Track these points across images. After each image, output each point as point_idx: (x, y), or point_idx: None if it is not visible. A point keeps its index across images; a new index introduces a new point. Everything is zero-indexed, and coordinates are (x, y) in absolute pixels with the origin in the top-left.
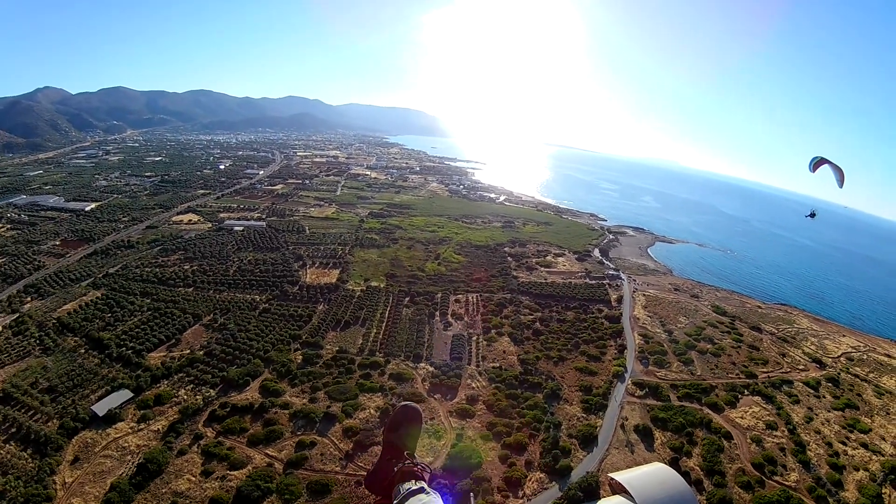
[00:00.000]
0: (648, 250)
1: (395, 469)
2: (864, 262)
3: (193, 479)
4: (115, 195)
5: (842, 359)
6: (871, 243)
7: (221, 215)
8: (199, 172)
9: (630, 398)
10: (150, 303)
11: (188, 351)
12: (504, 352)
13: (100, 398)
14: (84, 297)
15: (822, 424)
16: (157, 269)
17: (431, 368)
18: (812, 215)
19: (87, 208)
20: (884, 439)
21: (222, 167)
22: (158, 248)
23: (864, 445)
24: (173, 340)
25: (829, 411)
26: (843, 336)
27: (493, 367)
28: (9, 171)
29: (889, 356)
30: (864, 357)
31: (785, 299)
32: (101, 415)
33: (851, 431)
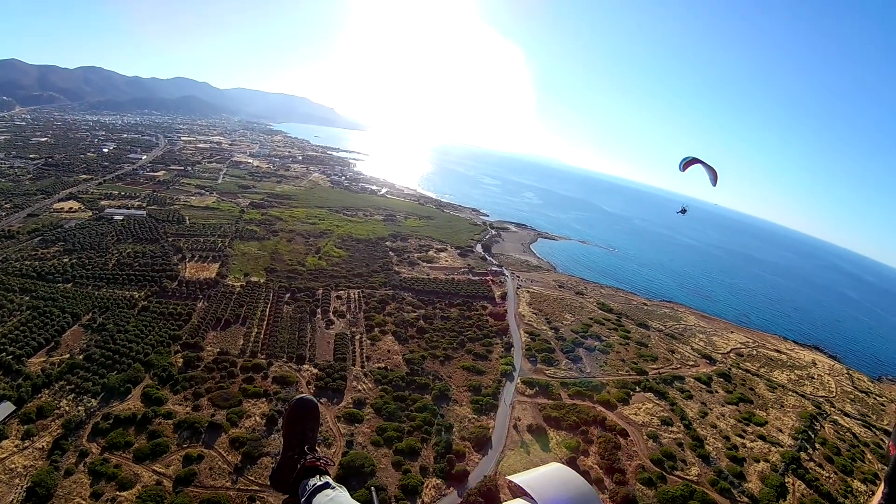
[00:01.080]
0: (531, 246)
1: (298, 465)
2: (745, 261)
3: (84, 502)
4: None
5: (731, 354)
6: (750, 242)
7: (102, 202)
8: (82, 156)
9: (521, 397)
10: (28, 300)
11: (68, 355)
12: (389, 351)
13: None
14: None
15: (718, 419)
16: (37, 263)
17: (315, 370)
18: (683, 211)
19: None
20: (781, 431)
21: (106, 150)
22: (38, 238)
23: (762, 437)
24: (53, 343)
25: (723, 405)
26: (731, 333)
27: (379, 368)
28: None
29: (778, 351)
30: (754, 352)
31: (670, 297)
32: None
33: (748, 424)
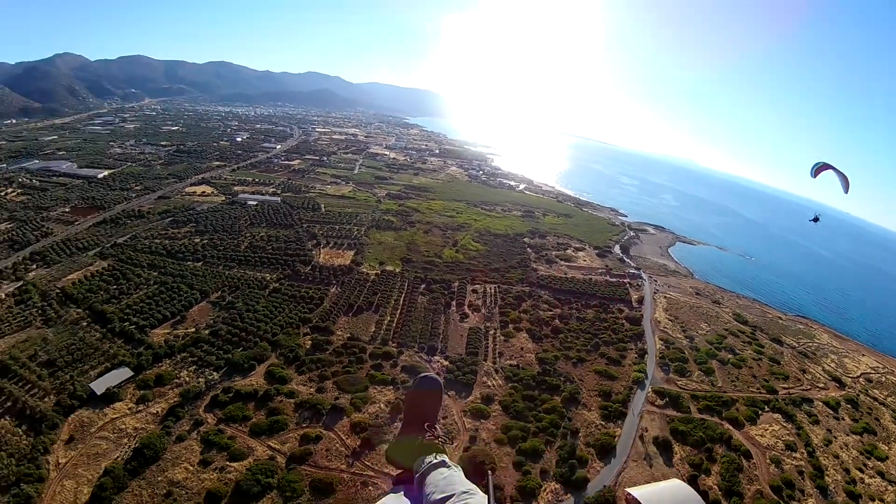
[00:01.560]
0: (669, 250)
1: (417, 441)
2: (878, 276)
3: (191, 468)
4: (129, 163)
5: (861, 379)
6: (881, 255)
7: (236, 188)
8: (215, 144)
9: (650, 407)
10: (157, 276)
11: (193, 329)
12: (522, 349)
13: (99, 375)
14: (90, 267)
15: (841, 449)
16: (167, 242)
17: (446, 363)
18: (816, 220)
19: (100, 175)
20: None
21: (239, 139)
22: (169, 219)
23: (881, 474)
24: (179, 317)
25: (847, 435)
26: (863, 355)
27: (511, 365)
28: (24, 135)
29: None
30: (883, 379)
31: (804, 311)
32: (99, 393)
33: (868, 458)
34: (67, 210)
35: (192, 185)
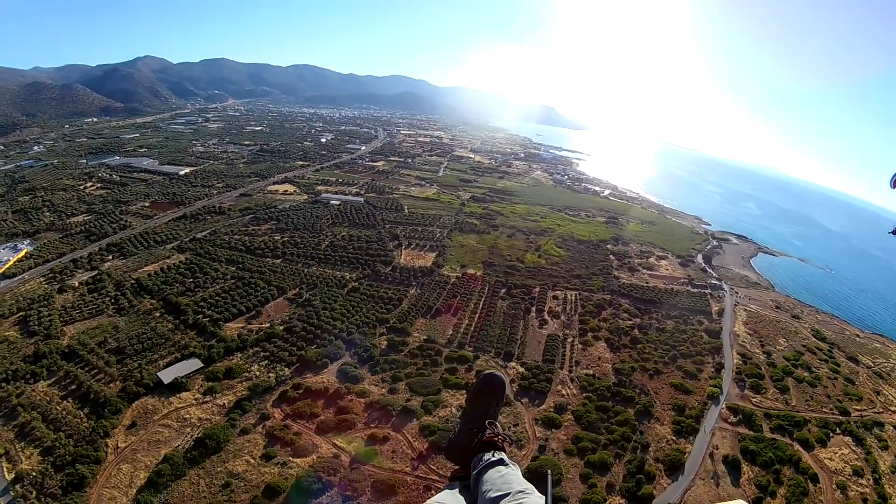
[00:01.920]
0: (751, 261)
1: (476, 438)
2: None
3: (252, 461)
4: (211, 161)
5: None
6: None
7: (318, 188)
8: (299, 144)
9: (722, 423)
10: (234, 271)
11: (268, 325)
12: (599, 358)
13: (168, 365)
14: (167, 260)
15: None
16: (246, 238)
17: (522, 369)
18: (895, 232)
19: (181, 172)
20: None
21: (323, 140)
22: (250, 216)
23: None
24: (254, 312)
25: None
26: None
27: (587, 375)
28: (105, 132)
29: None
30: None
31: (882, 329)
32: (166, 382)
33: None
34: (147, 205)
35: (274, 183)
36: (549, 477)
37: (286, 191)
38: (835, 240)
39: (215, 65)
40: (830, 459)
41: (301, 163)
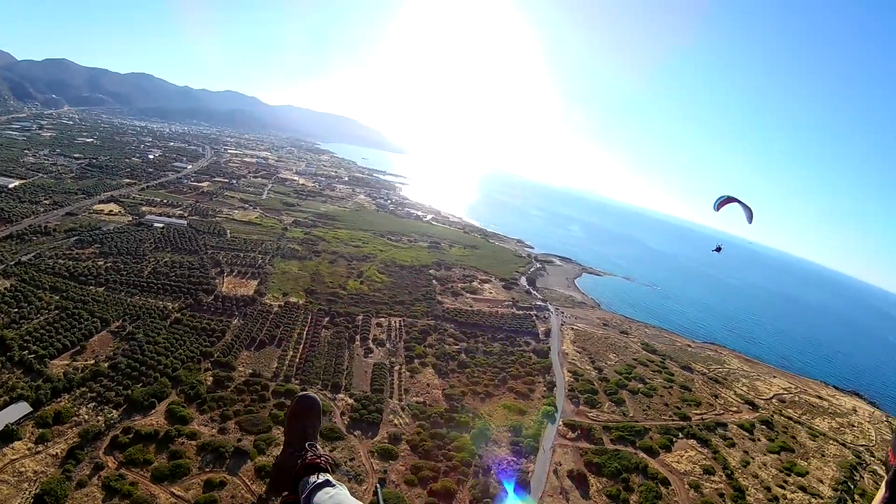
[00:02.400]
0: (576, 281)
1: (299, 462)
2: (786, 302)
3: None
4: (41, 174)
5: (774, 400)
6: (790, 282)
7: (143, 208)
8: (127, 160)
9: (562, 440)
10: (58, 300)
11: (93, 361)
12: (428, 385)
13: None
14: None
15: (760, 468)
16: (71, 263)
17: (351, 401)
18: (718, 249)
19: (10, 185)
20: (821, 482)
21: (151, 157)
22: (75, 238)
23: (803, 489)
24: (78, 347)
25: (765, 454)
26: (774, 377)
27: (417, 402)
28: None
29: (820, 397)
30: (796, 399)
31: (714, 338)
32: None
33: (789, 475)
34: None
35: (100, 202)
36: (380, 490)
37: (111, 210)
38: (661, 258)
39: (57, 66)
40: (678, 462)
41: (128, 180)
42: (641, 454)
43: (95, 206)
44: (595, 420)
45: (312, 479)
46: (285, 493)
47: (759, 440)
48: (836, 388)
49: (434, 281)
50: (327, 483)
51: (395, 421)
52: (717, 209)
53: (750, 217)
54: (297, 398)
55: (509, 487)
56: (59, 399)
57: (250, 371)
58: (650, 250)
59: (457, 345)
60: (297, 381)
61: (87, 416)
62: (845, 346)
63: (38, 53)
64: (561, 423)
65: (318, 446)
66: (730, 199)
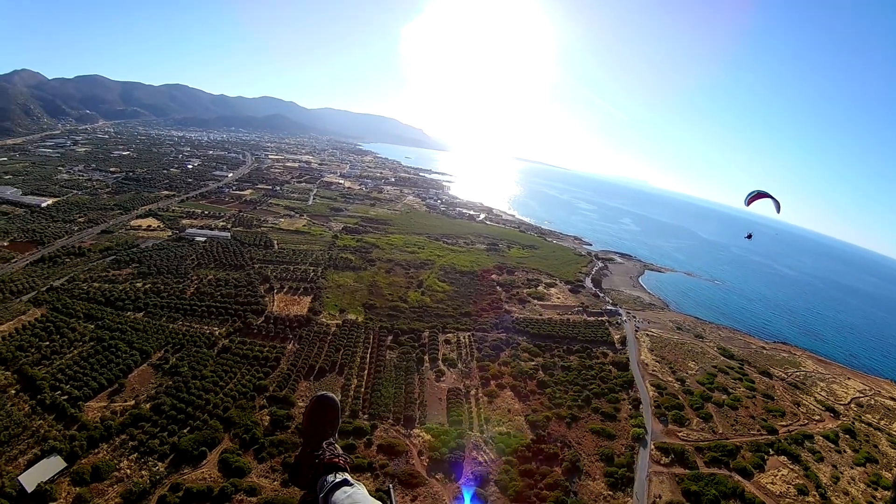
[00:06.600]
0: (640, 280)
1: (317, 461)
2: (840, 291)
3: None
4: (75, 191)
5: (852, 405)
6: (839, 268)
7: (183, 222)
8: (165, 171)
9: (656, 467)
10: (93, 330)
11: (133, 402)
12: (509, 410)
13: (29, 464)
14: (22, 317)
15: (849, 484)
16: (107, 286)
17: (429, 437)
18: (749, 237)
19: (44, 204)
20: None
21: (190, 167)
22: (111, 258)
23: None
24: (116, 385)
25: (851, 468)
26: (848, 379)
27: (500, 434)
28: None
29: (894, 399)
30: (872, 402)
31: (782, 336)
32: (29, 490)
33: (876, 489)
34: (6, 244)
35: (138, 217)
36: (392, 492)
37: (149, 226)
38: (714, 249)
39: (89, 82)
40: (772, 483)
41: (166, 192)
42: (737, 477)
43: (133, 222)
44: (686, 440)
45: (330, 478)
46: (304, 491)
47: (844, 451)
48: None
49: (498, 287)
50: (345, 482)
51: (479, 457)
52: (748, 204)
53: (778, 208)
54: (315, 398)
55: None
56: (96, 450)
57: None
58: (702, 241)
59: (532, 360)
60: (365, 417)
61: (129, 471)
62: None
63: (69, 71)
64: (653, 446)
65: (337, 445)
66: (760, 195)
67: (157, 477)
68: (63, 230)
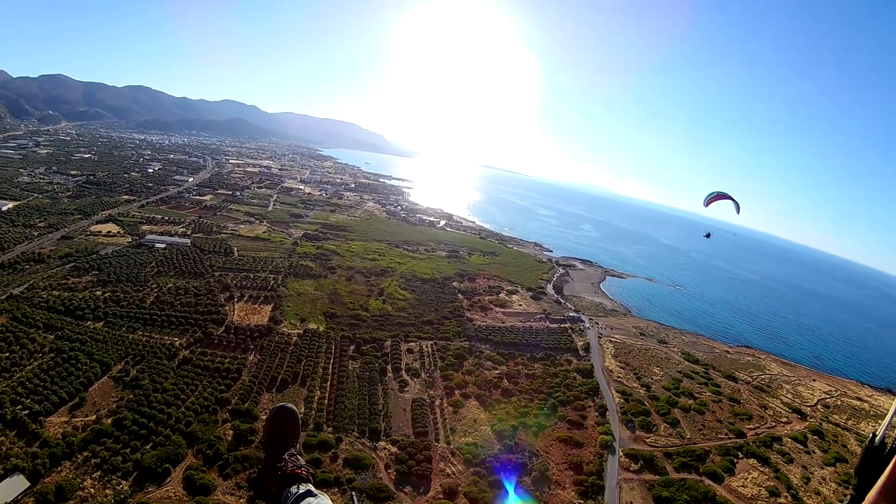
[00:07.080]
0: (601, 286)
1: (279, 472)
2: (801, 294)
3: None
4: (36, 194)
5: (819, 406)
6: (798, 272)
7: (143, 227)
8: (126, 175)
9: (626, 474)
10: (52, 341)
11: (94, 417)
12: (475, 420)
13: None
14: None
15: (820, 483)
16: (66, 294)
17: (394, 449)
18: (708, 236)
19: (4, 208)
20: None
21: (151, 171)
22: (71, 264)
23: None
24: (77, 399)
25: (822, 468)
26: (814, 380)
27: (467, 444)
28: None
29: (860, 399)
30: (839, 402)
31: (745, 340)
32: None
33: (847, 488)
34: None
35: (98, 222)
36: (355, 498)
37: (109, 231)
38: (674, 254)
39: (53, 81)
40: (744, 486)
41: (126, 197)
42: (707, 481)
43: (93, 228)
44: (654, 446)
45: (294, 489)
46: None
47: (813, 452)
48: (871, 386)
49: (459, 294)
50: (309, 493)
51: (447, 469)
52: (707, 205)
53: (738, 209)
54: (275, 410)
55: None
56: (59, 468)
57: None
58: (663, 246)
59: (496, 369)
60: (329, 430)
61: (93, 490)
62: (868, 339)
63: (33, 70)
64: (621, 453)
65: (299, 456)
66: (719, 196)
67: (122, 496)
68: (23, 235)
